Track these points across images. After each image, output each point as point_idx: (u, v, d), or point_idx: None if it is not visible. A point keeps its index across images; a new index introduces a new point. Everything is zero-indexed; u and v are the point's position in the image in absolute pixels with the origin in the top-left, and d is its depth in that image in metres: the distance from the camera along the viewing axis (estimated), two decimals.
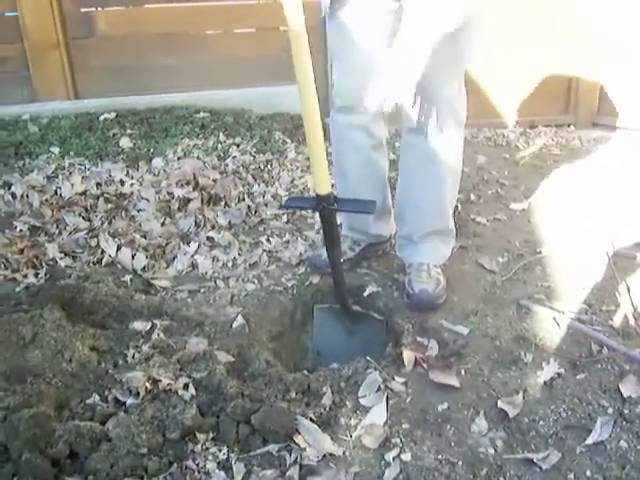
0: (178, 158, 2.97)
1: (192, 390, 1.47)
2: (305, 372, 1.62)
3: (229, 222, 2.48)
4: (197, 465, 1.31)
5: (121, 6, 3.54)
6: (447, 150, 1.85)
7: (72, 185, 2.70)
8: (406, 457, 1.34)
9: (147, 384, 1.47)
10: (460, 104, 1.85)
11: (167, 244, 2.30)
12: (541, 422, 1.42)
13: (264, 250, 2.29)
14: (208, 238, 2.36)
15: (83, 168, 2.88)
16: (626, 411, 1.43)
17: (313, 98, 1.50)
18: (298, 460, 1.33)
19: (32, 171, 2.82)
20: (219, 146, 3.09)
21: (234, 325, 1.82)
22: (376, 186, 2.06)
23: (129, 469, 1.26)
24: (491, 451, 1.36)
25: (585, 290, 1.97)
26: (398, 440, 1.39)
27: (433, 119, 1.77)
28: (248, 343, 1.73)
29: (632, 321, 1.71)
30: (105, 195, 2.62)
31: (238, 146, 3.11)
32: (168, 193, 2.65)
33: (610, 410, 1.45)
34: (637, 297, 1.83)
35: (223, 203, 2.61)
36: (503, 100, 3.89)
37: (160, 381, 1.47)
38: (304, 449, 1.35)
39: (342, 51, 1.88)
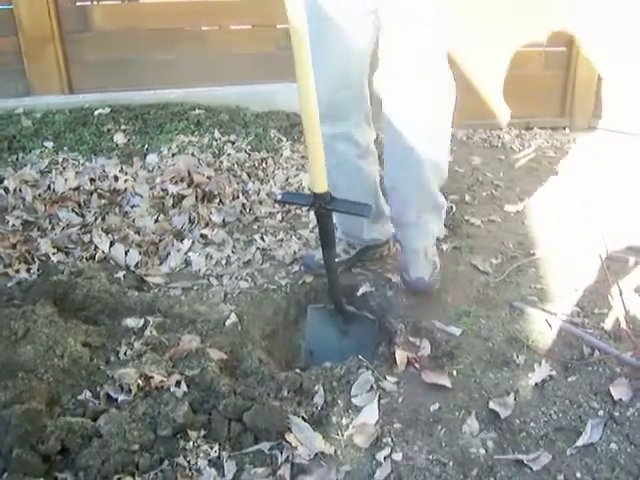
0: (172, 155, 2.96)
1: (184, 387, 1.47)
2: (297, 371, 1.63)
3: (223, 220, 2.48)
4: (188, 462, 1.31)
5: (117, 0, 3.53)
6: (417, 111, 1.76)
7: (65, 180, 2.68)
8: (397, 457, 1.34)
9: (139, 381, 1.47)
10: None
11: (160, 241, 2.30)
12: (532, 423, 1.43)
13: (258, 248, 2.28)
14: (202, 235, 2.35)
15: (77, 163, 2.87)
16: (617, 414, 1.44)
17: (312, 97, 1.50)
18: (289, 458, 1.33)
19: (25, 165, 2.81)
20: (214, 143, 3.08)
21: (227, 323, 1.81)
22: (366, 193, 2.02)
23: (120, 465, 1.25)
24: (482, 451, 1.36)
25: (578, 293, 1.98)
26: (389, 440, 1.39)
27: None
28: (241, 341, 1.73)
29: (624, 324, 1.72)
30: (99, 191, 2.61)
31: (233, 143, 3.10)
32: (162, 189, 2.64)
33: (601, 412, 1.45)
34: (629, 300, 1.84)
35: (217, 200, 2.60)
36: (498, 101, 3.89)
37: (152, 378, 1.47)
38: (296, 448, 1.35)
39: (318, 53, 1.75)
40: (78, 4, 3.42)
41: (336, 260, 1.91)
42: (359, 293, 2.00)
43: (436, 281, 1.96)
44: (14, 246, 2.19)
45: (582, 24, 3.67)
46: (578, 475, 1.30)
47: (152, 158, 2.93)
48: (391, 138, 1.85)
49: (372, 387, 1.54)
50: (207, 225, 2.43)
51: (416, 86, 1.74)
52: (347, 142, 1.93)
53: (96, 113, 3.25)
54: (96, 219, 2.42)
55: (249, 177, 2.84)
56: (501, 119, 3.85)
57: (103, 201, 2.55)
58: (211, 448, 1.35)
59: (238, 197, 2.65)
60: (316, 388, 1.53)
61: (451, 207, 2.63)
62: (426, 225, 1.97)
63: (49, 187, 2.65)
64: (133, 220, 2.44)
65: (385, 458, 1.34)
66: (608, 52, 3.67)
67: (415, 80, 1.73)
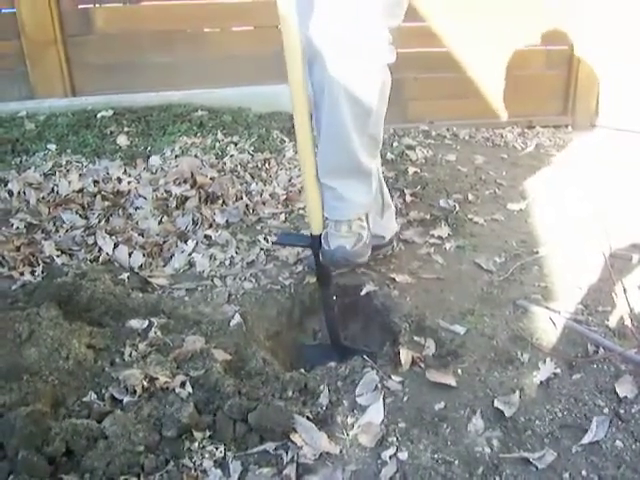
0: (176, 156, 2.96)
1: (189, 388, 1.47)
2: (302, 371, 1.63)
3: (227, 220, 2.48)
4: (194, 463, 1.31)
5: (119, 3, 3.53)
6: (345, 74, 1.62)
7: (69, 182, 2.69)
8: (403, 456, 1.34)
9: (144, 382, 1.47)
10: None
11: (164, 242, 2.30)
12: (537, 421, 1.43)
13: (261, 249, 2.28)
14: (205, 236, 2.35)
15: (80, 165, 2.87)
16: (622, 411, 1.44)
17: (310, 150, 1.61)
18: (295, 458, 1.33)
19: (29, 168, 2.81)
20: (217, 144, 3.08)
21: (231, 323, 1.81)
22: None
23: (125, 467, 1.25)
24: (487, 450, 1.36)
25: (582, 290, 1.98)
26: (395, 439, 1.39)
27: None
28: (245, 341, 1.73)
29: (628, 322, 1.72)
30: (102, 193, 2.61)
31: (236, 144, 3.11)
32: (165, 191, 2.64)
33: (606, 410, 1.45)
34: (633, 298, 1.83)
35: (221, 201, 2.60)
36: (501, 100, 3.90)
37: (157, 379, 1.47)
38: (301, 447, 1.35)
39: None
40: (80, 7, 3.43)
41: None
42: (363, 293, 2.00)
43: (360, 253, 1.77)
44: (18, 249, 2.19)
45: (582, 22, 3.67)
46: (584, 473, 1.29)
47: (155, 160, 2.94)
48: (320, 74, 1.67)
49: (377, 386, 1.54)
50: (211, 226, 2.44)
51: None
52: None
53: (99, 115, 3.26)
54: (100, 221, 2.43)
55: (252, 178, 2.84)
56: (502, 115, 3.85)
57: (107, 203, 2.55)
58: (216, 449, 1.35)
59: (241, 198, 2.65)
60: (321, 388, 1.53)
61: (454, 206, 2.63)
62: (347, 197, 1.75)
63: (53, 189, 2.66)
64: (137, 222, 2.44)
65: (390, 457, 1.34)
66: (608, 50, 3.67)
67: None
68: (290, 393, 1.51)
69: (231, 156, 3.00)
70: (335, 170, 1.73)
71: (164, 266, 2.19)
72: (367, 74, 1.65)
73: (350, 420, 1.45)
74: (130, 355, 1.63)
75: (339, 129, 1.68)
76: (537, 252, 2.25)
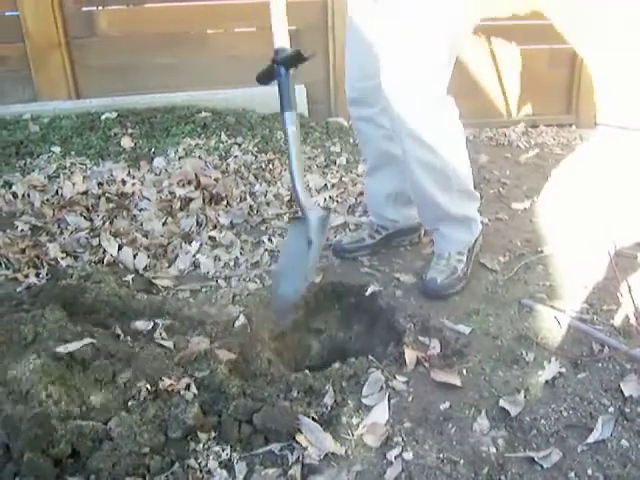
0: (179, 158, 2.97)
1: (194, 389, 1.47)
2: (307, 371, 1.63)
3: (231, 221, 2.48)
4: (199, 464, 1.31)
5: (122, 5, 3.54)
6: (418, 147, 1.83)
7: (73, 185, 2.70)
8: (408, 456, 1.34)
9: (148, 384, 1.47)
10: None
11: (169, 243, 2.30)
12: (542, 421, 1.42)
13: (266, 249, 2.29)
14: (210, 237, 2.36)
15: (84, 168, 2.88)
16: (627, 410, 1.44)
17: None
18: (300, 459, 1.33)
19: (33, 171, 2.83)
20: (221, 146, 3.09)
21: (236, 324, 1.82)
22: (394, 173, 2.09)
23: (131, 468, 1.26)
24: (493, 450, 1.36)
25: (586, 289, 1.97)
26: (400, 439, 1.39)
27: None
28: (250, 342, 1.73)
29: (633, 320, 1.71)
30: (106, 195, 2.62)
31: (240, 145, 3.11)
32: (170, 192, 2.65)
33: (611, 409, 1.45)
34: (638, 296, 1.82)
35: (225, 202, 2.61)
36: (504, 99, 3.90)
37: (162, 380, 1.48)
38: (306, 448, 1.35)
39: (348, 40, 1.97)
40: (83, 9, 3.44)
41: (360, 244, 2.09)
42: (367, 293, 2.00)
43: (451, 285, 1.95)
44: (23, 251, 2.20)
45: (585, 20, 3.66)
46: (589, 472, 1.29)
47: (159, 161, 2.95)
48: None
49: (382, 387, 1.54)
50: (215, 227, 2.44)
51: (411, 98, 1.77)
52: (370, 124, 2.02)
53: (103, 117, 3.27)
54: (104, 223, 2.43)
55: (256, 179, 2.85)
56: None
57: (111, 205, 2.56)
58: (222, 450, 1.35)
59: (245, 199, 2.65)
60: (326, 388, 1.53)
61: None
62: (448, 235, 2.02)
63: (57, 192, 2.67)
64: (141, 223, 2.44)
65: (396, 457, 1.34)
66: (612, 47, 3.66)
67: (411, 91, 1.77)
68: (295, 394, 1.51)
69: (235, 157, 3.01)
70: (432, 220, 2.02)
71: (168, 267, 2.19)
72: (432, 127, 1.80)
73: (355, 420, 1.45)
74: None
75: (423, 193, 1.91)
76: (542, 251, 2.25)
